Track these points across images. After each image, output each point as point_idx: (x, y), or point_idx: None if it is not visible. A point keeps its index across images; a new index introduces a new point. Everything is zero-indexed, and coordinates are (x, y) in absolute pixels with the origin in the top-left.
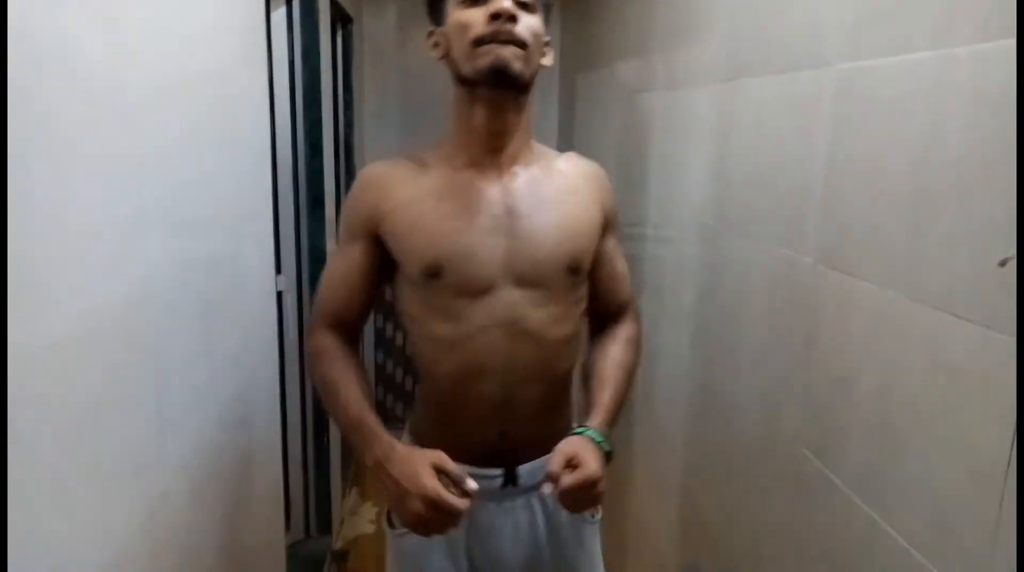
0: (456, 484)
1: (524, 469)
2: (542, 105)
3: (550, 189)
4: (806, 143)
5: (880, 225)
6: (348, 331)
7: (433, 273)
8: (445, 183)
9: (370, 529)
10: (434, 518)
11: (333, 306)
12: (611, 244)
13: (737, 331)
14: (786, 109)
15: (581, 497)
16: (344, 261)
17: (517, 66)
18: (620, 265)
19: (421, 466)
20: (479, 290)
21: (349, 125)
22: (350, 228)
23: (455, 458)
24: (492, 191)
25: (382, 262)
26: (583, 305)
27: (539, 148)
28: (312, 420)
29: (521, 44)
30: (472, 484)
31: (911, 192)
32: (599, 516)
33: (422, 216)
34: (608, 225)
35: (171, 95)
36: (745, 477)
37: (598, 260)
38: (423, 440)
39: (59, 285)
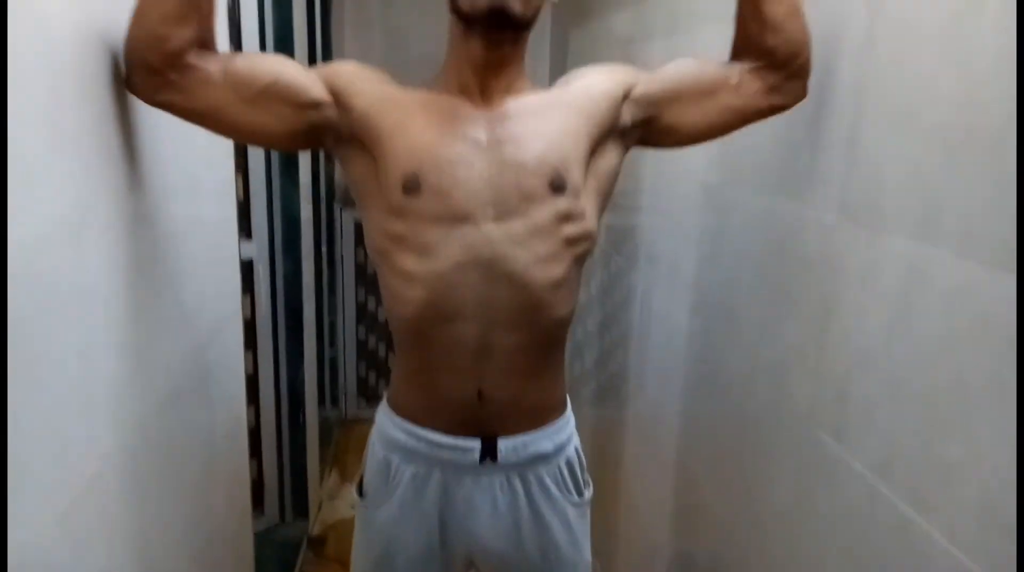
0: None
1: (505, 444)
2: (531, 64)
3: (537, 104)
4: (826, 76)
5: (921, 171)
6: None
7: (412, 186)
8: (432, 100)
9: (350, 514)
10: None
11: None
12: (665, 76)
13: (741, 298)
14: None
15: None
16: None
17: (517, 8)
18: (685, 63)
19: None
20: (456, 217)
21: None
22: (319, 68)
23: (430, 423)
24: (478, 116)
25: (292, 122)
26: (579, 248)
27: (536, 87)
28: (287, 399)
29: None
30: None
31: (962, 128)
32: (588, 497)
33: (406, 119)
34: (639, 82)
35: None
36: (750, 460)
37: (673, 97)
38: (398, 403)
39: None
